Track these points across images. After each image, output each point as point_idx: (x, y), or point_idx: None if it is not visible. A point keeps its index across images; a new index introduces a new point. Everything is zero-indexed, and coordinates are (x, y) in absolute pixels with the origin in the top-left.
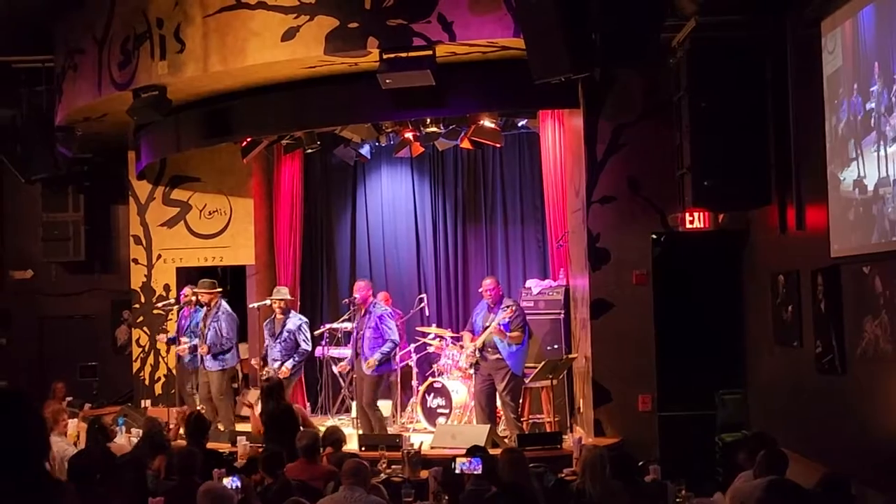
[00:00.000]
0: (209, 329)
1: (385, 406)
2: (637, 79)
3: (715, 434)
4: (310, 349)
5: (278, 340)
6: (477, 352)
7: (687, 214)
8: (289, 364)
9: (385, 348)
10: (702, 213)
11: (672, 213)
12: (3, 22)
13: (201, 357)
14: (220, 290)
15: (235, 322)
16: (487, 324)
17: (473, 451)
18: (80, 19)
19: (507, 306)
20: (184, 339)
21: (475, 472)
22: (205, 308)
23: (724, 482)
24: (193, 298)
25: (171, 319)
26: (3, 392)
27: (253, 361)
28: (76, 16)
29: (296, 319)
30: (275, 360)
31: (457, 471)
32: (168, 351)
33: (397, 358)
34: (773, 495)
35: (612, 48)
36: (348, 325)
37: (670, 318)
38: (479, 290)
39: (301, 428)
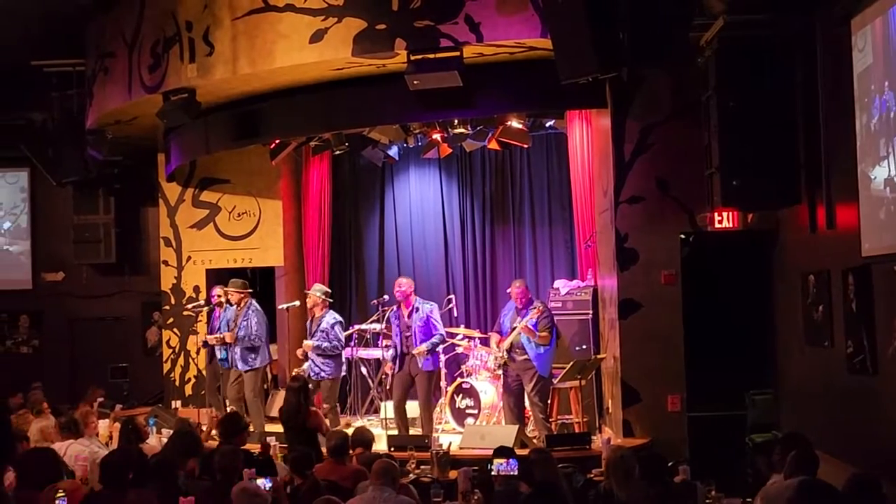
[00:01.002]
0: (240, 328)
1: (412, 407)
2: (665, 78)
3: (745, 434)
4: (340, 346)
5: (312, 339)
6: (505, 353)
7: (716, 214)
8: (312, 342)
9: (435, 339)
10: (731, 213)
11: (701, 213)
12: (35, 26)
13: (233, 359)
14: (250, 290)
15: (265, 320)
16: (515, 325)
17: (501, 452)
18: (111, 23)
19: (535, 307)
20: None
21: (511, 474)
22: (235, 307)
23: (753, 483)
24: (224, 299)
25: (200, 321)
26: None
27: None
28: (106, 19)
29: (329, 318)
30: (310, 359)
31: (493, 472)
32: (198, 352)
33: (443, 358)
34: (804, 495)
35: (640, 48)
36: (377, 326)
37: (699, 318)
38: (508, 290)
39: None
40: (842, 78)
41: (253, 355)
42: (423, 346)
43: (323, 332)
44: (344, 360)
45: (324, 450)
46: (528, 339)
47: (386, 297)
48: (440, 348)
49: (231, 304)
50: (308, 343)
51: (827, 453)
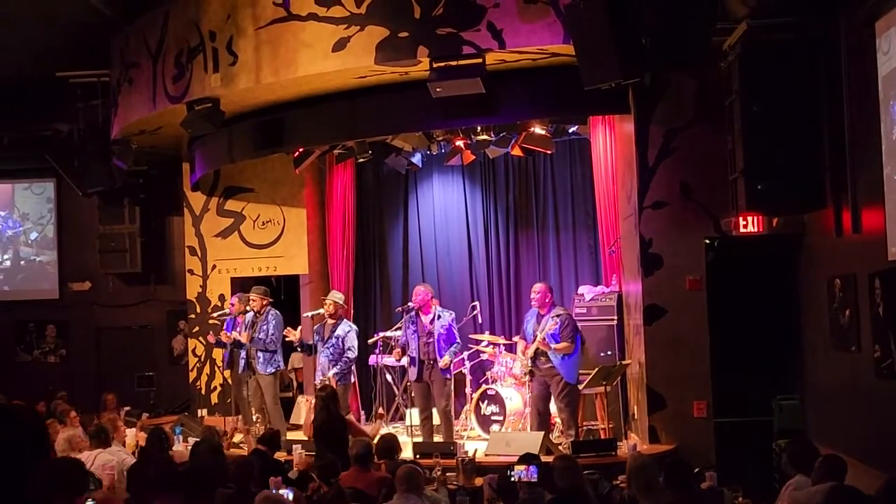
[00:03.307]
0: (259, 332)
1: (435, 413)
2: (688, 83)
3: (772, 440)
4: (354, 356)
5: (326, 346)
6: (529, 361)
7: (740, 219)
8: (334, 371)
9: (454, 348)
10: (755, 218)
11: (725, 218)
12: (60, 38)
13: (251, 364)
14: (270, 299)
15: (282, 324)
16: (537, 332)
17: (527, 459)
18: (135, 34)
19: (557, 315)
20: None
21: (531, 481)
22: (254, 314)
23: (780, 488)
24: (242, 306)
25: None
26: None
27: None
28: (130, 30)
29: (345, 326)
30: (321, 365)
31: (513, 479)
32: (223, 361)
33: (467, 364)
34: (835, 501)
35: (663, 52)
36: (400, 334)
37: (725, 324)
38: (531, 295)
39: (350, 438)
40: (866, 81)
41: (270, 359)
42: (447, 358)
43: (338, 338)
44: (353, 368)
45: None
46: (547, 351)
47: (410, 304)
48: (464, 356)
49: (252, 311)
50: (331, 376)
51: (855, 458)
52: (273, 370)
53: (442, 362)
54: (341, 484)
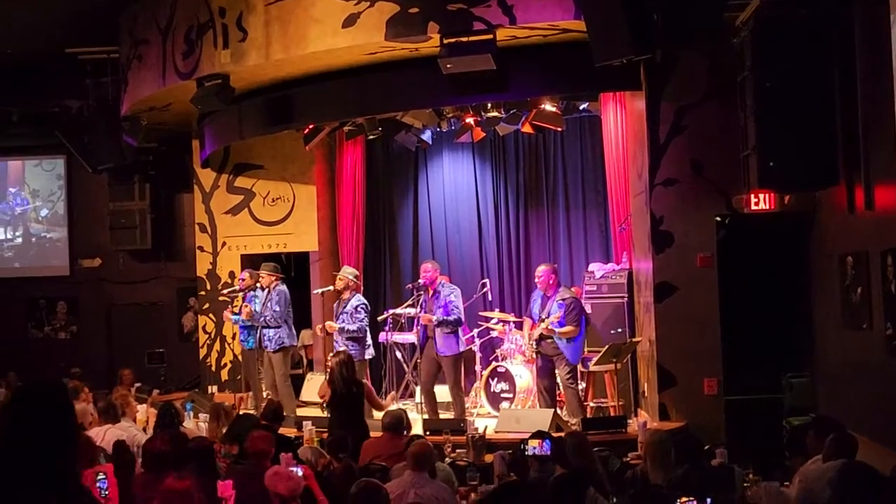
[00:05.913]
0: (267, 310)
1: (444, 390)
2: (700, 59)
3: (782, 418)
4: (354, 328)
5: (338, 321)
6: (534, 343)
7: (752, 196)
8: (336, 323)
9: (451, 318)
10: (767, 195)
11: (736, 195)
12: (70, 15)
13: (261, 340)
14: (281, 275)
15: (287, 300)
16: (542, 315)
17: (539, 436)
18: (144, 10)
19: (563, 299)
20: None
21: (545, 455)
22: (264, 292)
23: (791, 466)
24: (252, 282)
25: (235, 306)
26: (29, 387)
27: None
28: (139, 7)
29: (355, 301)
30: (335, 341)
31: (528, 453)
32: (234, 337)
33: (464, 340)
34: (846, 477)
35: (674, 29)
36: (412, 311)
37: (735, 301)
38: (535, 279)
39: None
40: (880, 57)
41: (278, 334)
42: (432, 316)
43: (347, 314)
44: (370, 342)
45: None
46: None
47: (420, 281)
48: (474, 333)
49: (263, 289)
50: (332, 324)
51: (865, 436)
52: (277, 347)
53: (423, 316)
54: (369, 449)
